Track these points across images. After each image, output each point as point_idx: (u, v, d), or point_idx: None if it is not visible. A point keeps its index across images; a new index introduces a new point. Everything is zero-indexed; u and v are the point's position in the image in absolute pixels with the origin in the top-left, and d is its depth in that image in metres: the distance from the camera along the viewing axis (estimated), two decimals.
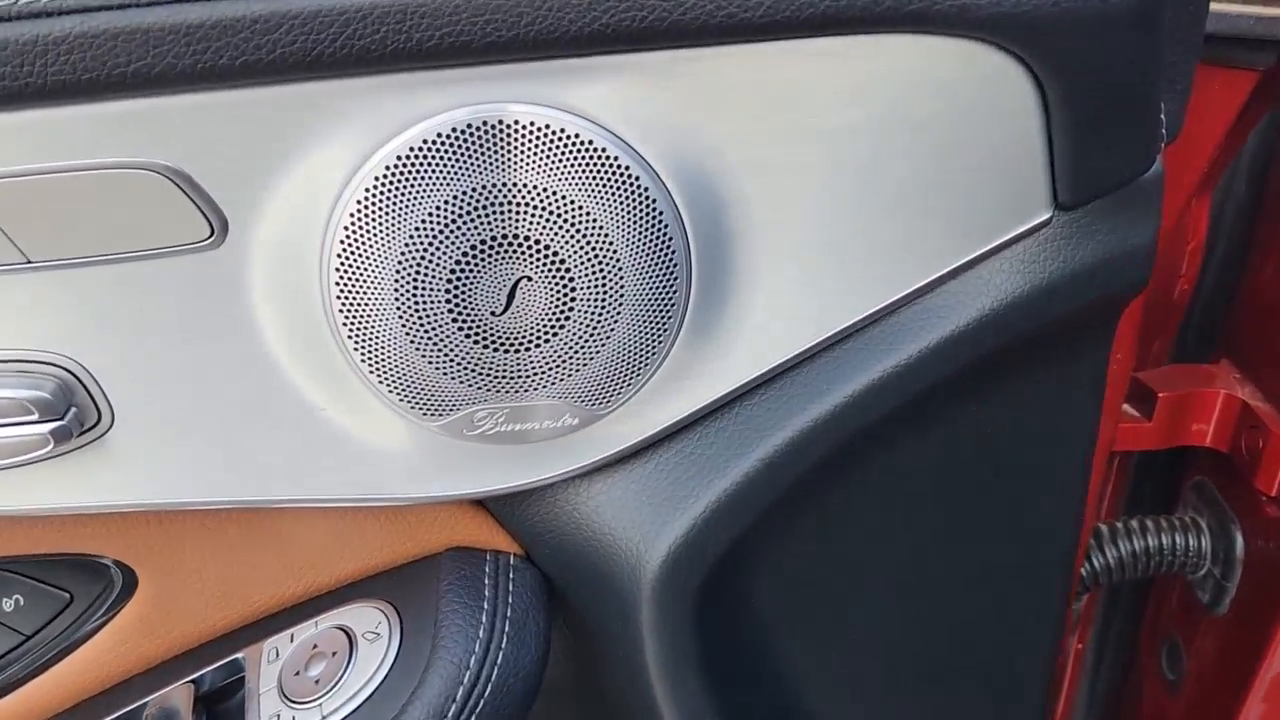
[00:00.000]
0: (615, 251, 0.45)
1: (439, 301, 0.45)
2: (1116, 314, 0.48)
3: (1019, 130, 0.41)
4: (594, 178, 0.44)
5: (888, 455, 0.49)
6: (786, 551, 0.52)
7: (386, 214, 0.44)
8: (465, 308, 0.45)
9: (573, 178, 0.44)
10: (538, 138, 0.43)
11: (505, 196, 0.43)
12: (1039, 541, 0.55)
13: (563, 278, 0.45)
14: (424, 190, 0.43)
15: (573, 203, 0.44)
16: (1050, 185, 0.42)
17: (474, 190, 0.43)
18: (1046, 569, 0.56)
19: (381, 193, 0.44)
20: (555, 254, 0.45)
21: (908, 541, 0.53)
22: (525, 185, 0.43)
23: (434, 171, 0.43)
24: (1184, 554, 0.74)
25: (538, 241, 0.44)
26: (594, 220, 0.44)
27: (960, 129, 0.41)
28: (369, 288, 0.45)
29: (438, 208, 0.44)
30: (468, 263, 0.44)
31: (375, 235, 0.44)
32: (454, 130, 0.43)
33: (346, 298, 0.45)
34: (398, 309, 0.45)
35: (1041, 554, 0.55)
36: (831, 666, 0.55)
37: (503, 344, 0.46)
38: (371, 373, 0.47)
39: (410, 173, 0.44)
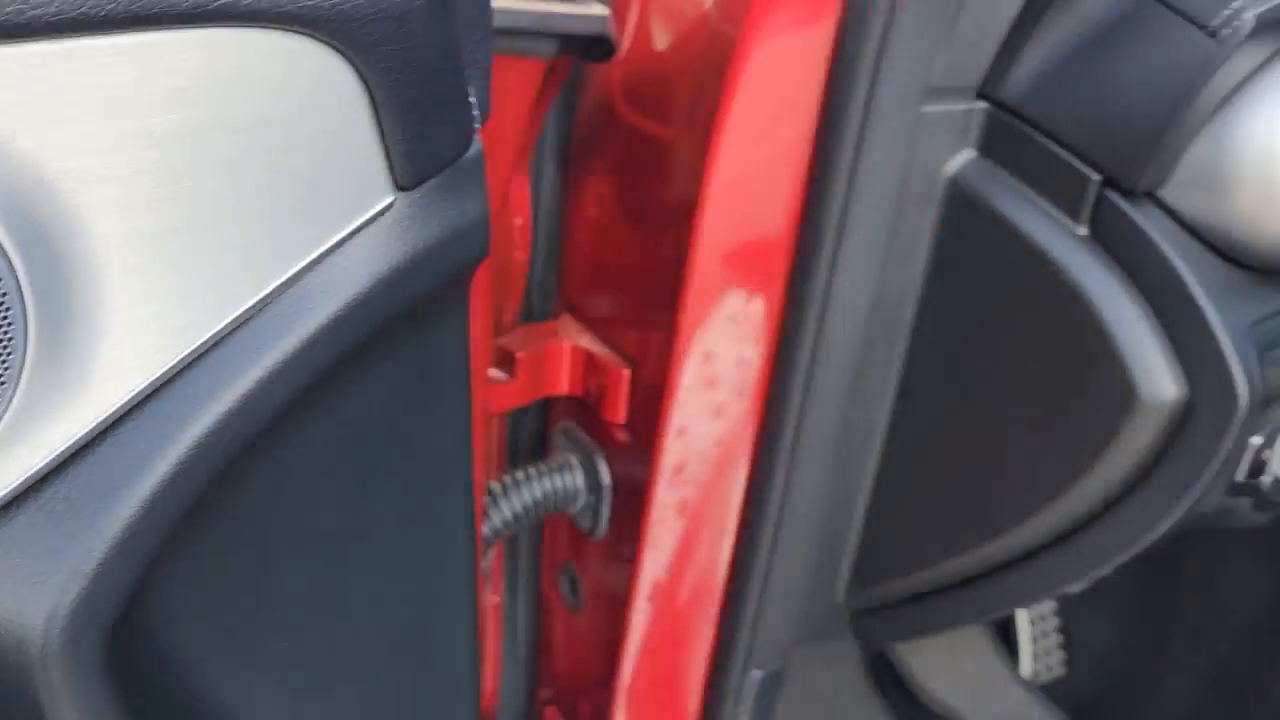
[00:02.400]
0: None
1: None
2: (466, 285, 0.51)
3: (349, 120, 0.42)
4: None
5: (283, 456, 0.48)
6: (200, 576, 0.49)
7: None
8: None
9: None
10: None
11: None
12: (441, 512, 0.58)
13: None
14: None
15: None
16: (388, 170, 0.44)
17: None
18: (452, 538, 0.59)
19: None
20: None
21: (319, 540, 0.53)
22: None
23: None
24: (565, 492, 0.84)
25: None
26: None
27: (291, 124, 0.41)
28: None
29: None
30: None
31: None
32: None
33: None
34: None
35: (446, 524, 0.58)
36: (272, 675, 0.54)
37: None
38: None
39: None
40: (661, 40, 0.72)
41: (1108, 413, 0.61)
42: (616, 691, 0.86)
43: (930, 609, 0.75)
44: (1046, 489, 0.65)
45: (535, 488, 0.83)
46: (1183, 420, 0.60)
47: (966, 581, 0.73)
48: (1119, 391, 0.61)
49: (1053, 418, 0.64)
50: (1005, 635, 1.37)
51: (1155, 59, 0.59)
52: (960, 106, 0.65)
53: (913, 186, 0.66)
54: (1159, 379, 0.60)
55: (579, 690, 0.95)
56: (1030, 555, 0.69)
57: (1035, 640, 1.36)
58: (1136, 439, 0.61)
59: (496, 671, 1.00)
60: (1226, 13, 0.57)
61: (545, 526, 0.94)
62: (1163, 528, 0.62)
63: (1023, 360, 0.65)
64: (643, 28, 0.73)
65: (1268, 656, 1.19)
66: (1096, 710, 1.31)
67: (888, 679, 1.29)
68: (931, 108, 0.64)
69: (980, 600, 0.73)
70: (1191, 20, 0.58)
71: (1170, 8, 0.59)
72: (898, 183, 0.64)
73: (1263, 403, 0.60)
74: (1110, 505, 0.64)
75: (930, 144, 0.65)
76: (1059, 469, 0.64)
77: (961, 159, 0.66)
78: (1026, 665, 1.35)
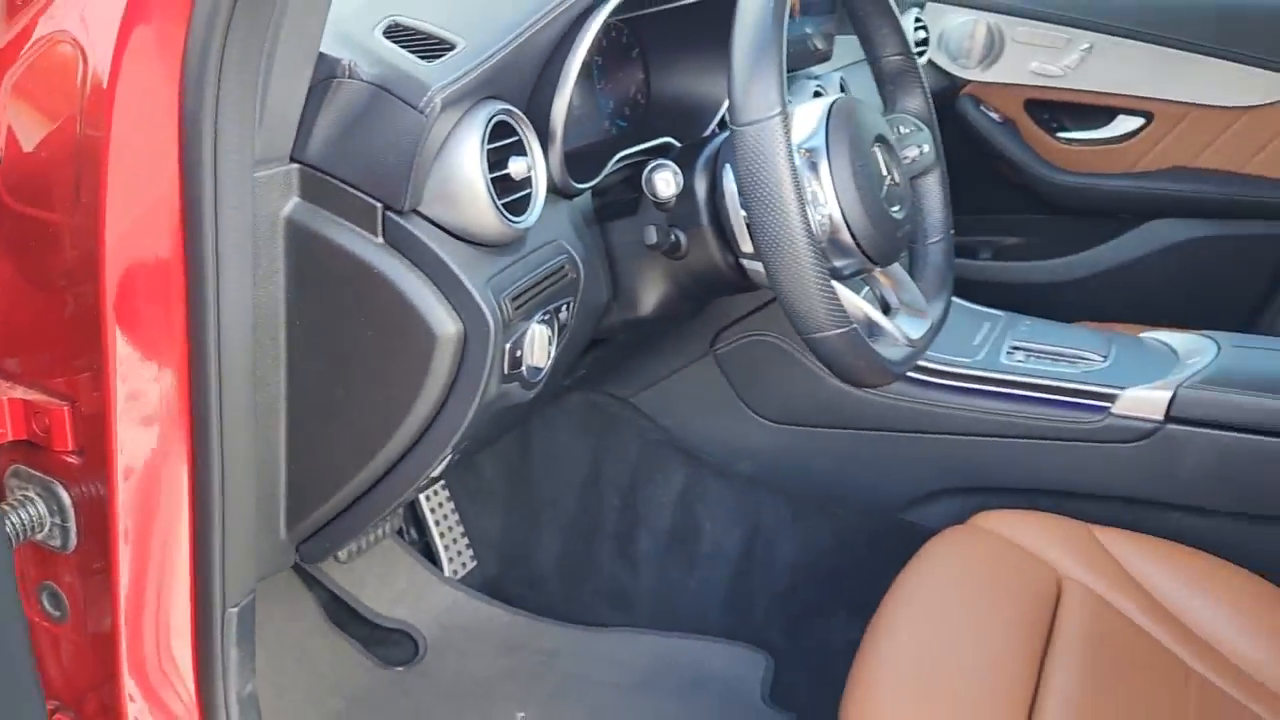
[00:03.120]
0: None
1: None
2: None
3: None
4: None
5: None
6: None
7: None
8: None
9: None
10: None
11: None
12: None
13: None
14: None
15: None
16: None
17: None
18: None
19: None
20: None
21: None
22: None
23: None
24: (30, 522, 0.94)
25: None
26: None
27: None
28: None
29: None
30: None
31: None
32: None
33: None
34: None
35: None
36: None
37: None
38: None
39: None
40: (31, 146, 0.89)
41: (422, 351, 0.93)
42: (119, 679, 0.98)
43: (348, 520, 1.02)
44: (400, 410, 0.96)
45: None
46: (464, 344, 0.95)
47: (365, 492, 1.01)
48: (424, 336, 0.93)
49: (392, 364, 0.95)
50: (427, 550, 1.71)
51: (395, 128, 0.92)
52: (281, 169, 0.91)
53: (262, 228, 0.90)
54: (444, 322, 0.93)
55: (83, 693, 1.05)
56: (402, 458, 0.99)
57: (447, 547, 1.71)
58: (442, 362, 0.94)
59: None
60: (426, 98, 0.92)
61: (14, 556, 1.01)
62: (472, 412, 0.97)
63: (363, 332, 0.94)
64: (11, 140, 0.89)
65: (593, 501, 1.67)
66: (503, 583, 1.71)
67: (345, 616, 1.56)
68: (261, 173, 0.89)
69: (378, 501, 1.01)
70: (409, 104, 0.92)
71: (396, 96, 0.92)
72: (251, 227, 0.88)
73: (505, 324, 0.97)
74: (439, 409, 0.97)
75: (267, 197, 0.91)
76: (404, 395, 0.95)
77: (291, 204, 0.92)
78: (446, 567, 1.70)
